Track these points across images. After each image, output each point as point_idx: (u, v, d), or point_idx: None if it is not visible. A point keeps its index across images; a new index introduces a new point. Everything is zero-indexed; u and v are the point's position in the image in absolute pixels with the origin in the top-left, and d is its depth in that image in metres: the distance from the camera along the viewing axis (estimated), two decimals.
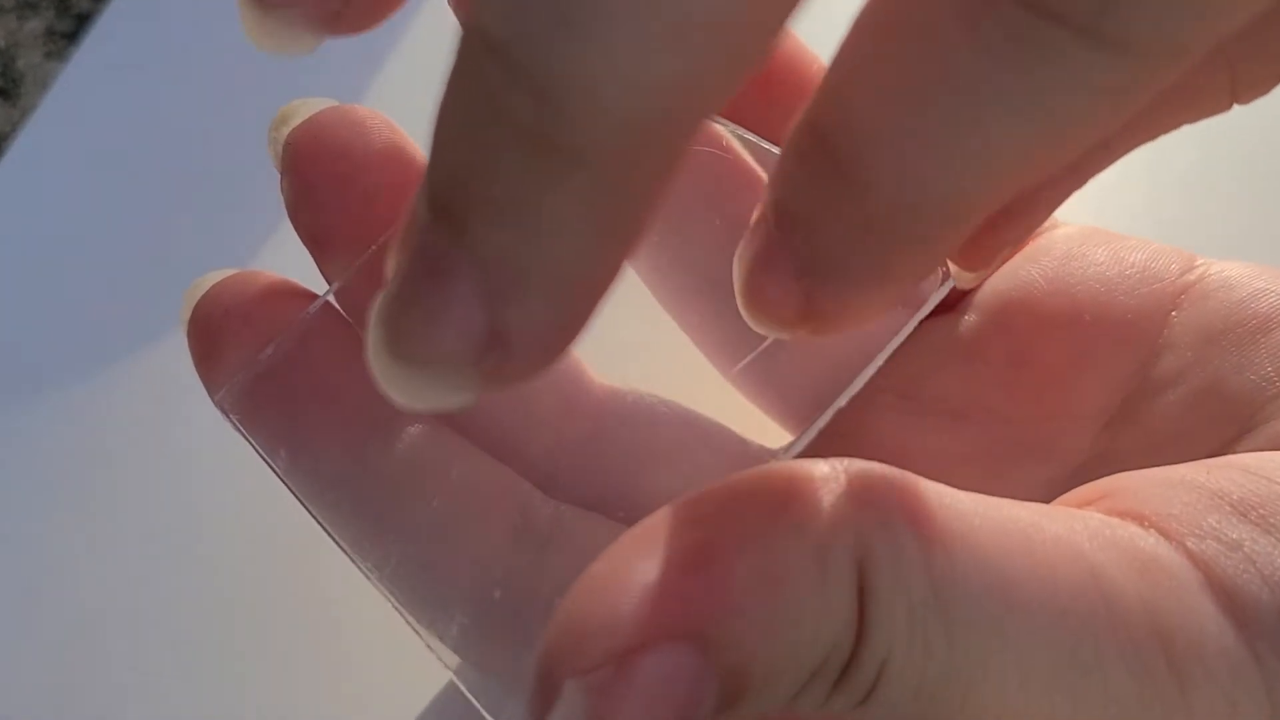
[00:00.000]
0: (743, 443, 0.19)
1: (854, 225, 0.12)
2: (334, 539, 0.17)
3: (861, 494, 0.13)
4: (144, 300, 0.30)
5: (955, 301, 0.20)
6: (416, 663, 0.22)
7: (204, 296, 0.19)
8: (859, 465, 0.13)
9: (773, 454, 0.19)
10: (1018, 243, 0.15)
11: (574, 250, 0.11)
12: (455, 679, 0.15)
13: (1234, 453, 0.17)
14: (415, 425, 0.18)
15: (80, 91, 0.35)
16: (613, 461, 0.18)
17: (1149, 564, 0.13)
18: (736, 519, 0.13)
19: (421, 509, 0.18)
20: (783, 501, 0.13)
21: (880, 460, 0.14)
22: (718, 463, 0.18)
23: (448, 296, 0.11)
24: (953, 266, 0.17)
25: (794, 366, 0.19)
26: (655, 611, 0.12)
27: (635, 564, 0.12)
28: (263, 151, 0.20)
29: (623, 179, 0.10)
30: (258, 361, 0.19)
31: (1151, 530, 0.14)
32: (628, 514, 0.17)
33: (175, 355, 0.21)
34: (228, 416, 0.19)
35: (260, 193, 0.20)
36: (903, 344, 0.18)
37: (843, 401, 0.17)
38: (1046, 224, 0.20)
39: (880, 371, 0.17)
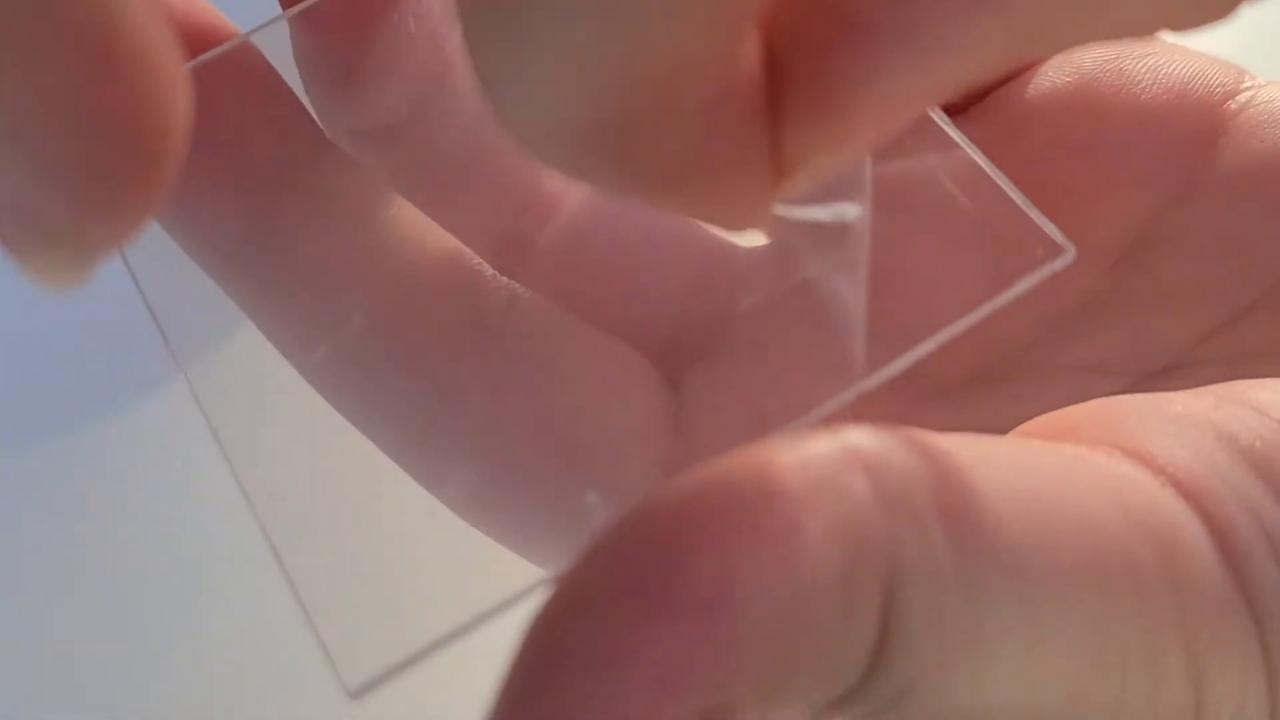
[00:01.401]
0: (719, 241, 0.17)
1: None
2: (166, 343, 0.14)
3: (880, 481, 0.11)
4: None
5: (966, 106, 0.18)
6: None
7: None
8: (865, 441, 0.11)
9: (749, 252, 0.17)
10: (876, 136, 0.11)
11: None
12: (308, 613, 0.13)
13: (1250, 322, 0.16)
14: (347, 191, 0.15)
15: None
16: (584, 256, 0.16)
17: (1176, 543, 0.12)
18: (738, 536, 0.10)
19: (350, 282, 0.15)
20: (794, 509, 0.10)
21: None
22: (694, 261, 0.16)
23: None
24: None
25: None
26: (660, 691, 0.10)
27: (625, 619, 0.10)
28: None
29: None
30: None
31: (1166, 483, 0.12)
32: (597, 318, 0.15)
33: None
34: None
35: None
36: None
37: (873, 384, 0.14)
38: None
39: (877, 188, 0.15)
